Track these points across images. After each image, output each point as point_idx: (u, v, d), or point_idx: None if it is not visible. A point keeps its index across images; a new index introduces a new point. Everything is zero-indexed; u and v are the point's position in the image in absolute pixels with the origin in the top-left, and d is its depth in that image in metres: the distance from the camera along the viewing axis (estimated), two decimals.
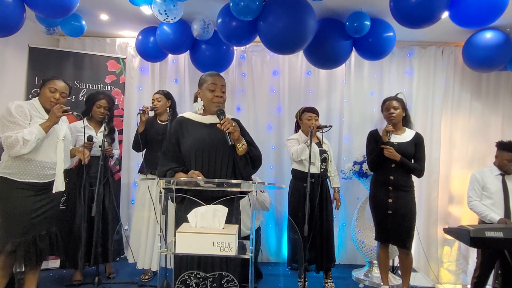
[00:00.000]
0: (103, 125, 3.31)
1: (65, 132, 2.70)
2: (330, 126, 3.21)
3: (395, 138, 3.03)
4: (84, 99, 3.49)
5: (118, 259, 3.61)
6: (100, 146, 3.09)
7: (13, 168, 2.47)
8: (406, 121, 3.15)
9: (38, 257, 2.53)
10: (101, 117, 3.28)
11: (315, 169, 3.22)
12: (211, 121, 2.11)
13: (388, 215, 3.01)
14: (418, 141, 3.07)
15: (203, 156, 2.04)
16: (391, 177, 3.01)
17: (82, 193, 3.19)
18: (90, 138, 3.06)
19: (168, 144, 2.13)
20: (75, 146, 3.16)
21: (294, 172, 3.37)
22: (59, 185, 2.60)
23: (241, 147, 2.01)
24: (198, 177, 1.95)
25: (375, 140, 3.12)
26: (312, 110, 3.35)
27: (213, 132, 2.06)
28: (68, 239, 3.15)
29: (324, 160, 3.31)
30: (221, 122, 1.97)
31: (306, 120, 3.31)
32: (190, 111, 2.23)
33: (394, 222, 3.00)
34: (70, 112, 2.60)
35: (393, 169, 3.00)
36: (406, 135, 3.09)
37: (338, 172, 3.82)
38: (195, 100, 2.23)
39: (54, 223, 2.68)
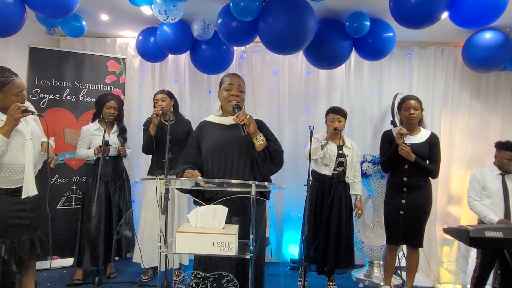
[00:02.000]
0: (115, 126, 3.43)
1: (32, 129, 2.39)
2: (341, 128, 3.23)
3: (409, 140, 2.99)
4: (94, 101, 3.55)
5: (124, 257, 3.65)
6: (101, 145, 3.14)
7: None
8: (419, 121, 3.13)
9: (17, 262, 2.35)
10: (111, 118, 3.34)
11: (327, 171, 3.22)
12: (231, 122, 2.11)
13: (399, 216, 3.00)
14: (433, 141, 3.04)
15: (219, 156, 2.07)
16: (405, 179, 2.99)
17: (96, 192, 3.23)
18: (107, 143, 3.17)
19: (189, 148, 2.18)
20: (89, 148, 3.32)
21: (312, 172, 3.36)
22: (30, 189, 2.33)
23: (259, 141, 2.02)
24: (198, 177, 1.96)
25: (389, 141, 3.10)
26: (335, 111, 3.29)
27: (231, 132, 2.10)
28: (82, 238, 3.25)
29: (341, 164, 3.26)
30: (236, 115, 1.99)
31: (329, 121, 3.29)
32: (212, 114, 2.27)
33: (405, 223, 2.99)
34: (31, 113, 2.27)
35: (407, 170, 2.98)
36: (421, 136, 3.06)
37: None
38: None
39: (39, 227, 2.46)
